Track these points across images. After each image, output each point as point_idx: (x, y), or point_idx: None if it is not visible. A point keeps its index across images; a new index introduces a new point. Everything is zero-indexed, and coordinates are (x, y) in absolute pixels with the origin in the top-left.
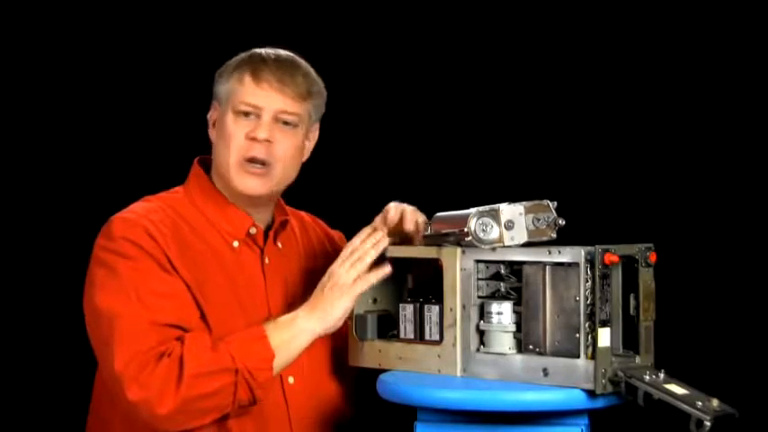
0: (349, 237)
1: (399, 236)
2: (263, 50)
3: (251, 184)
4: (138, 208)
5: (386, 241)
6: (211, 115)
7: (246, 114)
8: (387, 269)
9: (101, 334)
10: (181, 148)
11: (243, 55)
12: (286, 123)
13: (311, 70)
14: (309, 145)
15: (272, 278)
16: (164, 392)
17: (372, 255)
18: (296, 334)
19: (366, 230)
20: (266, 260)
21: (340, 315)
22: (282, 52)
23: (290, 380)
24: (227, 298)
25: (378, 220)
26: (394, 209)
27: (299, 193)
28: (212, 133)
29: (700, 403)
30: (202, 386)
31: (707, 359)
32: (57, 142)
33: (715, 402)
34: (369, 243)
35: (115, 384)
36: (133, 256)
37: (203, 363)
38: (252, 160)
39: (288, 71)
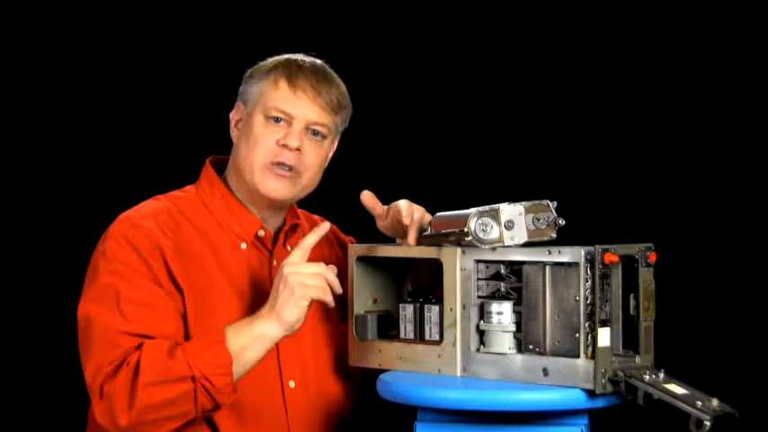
0: (359, 241)
1: (399, 228)
2: (297, 57)
3: (276, 186)
4: (145, 208)
5: (325, 227)
6: (234, 115)
7: (277, 120)
8: (331, 301)
9: (80, 343)
10: (196, 147)
11: (277, 58)
12: (315, 134)
13: (342, 83)
14: (329, 155)
15: None
16: (122, 402)
17: (332, 276)
18: (255, 338)
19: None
20: (274, 263)
21: (296, 317)
22: (317, 61)
23: (291, 384)
24: (230, 301)
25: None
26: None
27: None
28: (234, 133)
29: (700, 403)
30: (158, 394)
31: (707, 359)
32: (71, 141)
33: (715, 402)
34: (312, 235)
35: (89, 395)
36: (124, 259)
37: (158, 371)
38: (279, 165)
39: (323, 81)
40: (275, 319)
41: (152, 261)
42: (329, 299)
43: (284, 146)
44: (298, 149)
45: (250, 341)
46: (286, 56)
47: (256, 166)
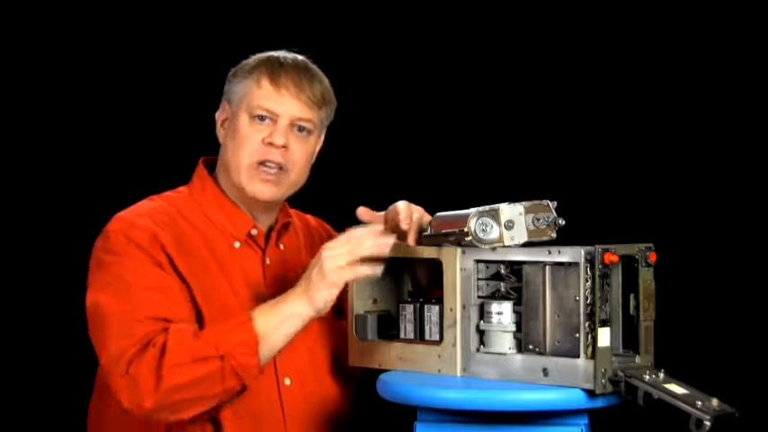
0: None
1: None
2: (279, 54)
3: (263, 188)
4: (141, 207)
5: (389, 244)
6: (220, 115)
7: (262, 118)
8: (378, 270)
9: (95, 331)
10: (188, 148)
11: (259, 56)
12: (300, 130)
13: (325, 78)
14: (316, 150)
15: (271, 279)
16: (147, 383)
17: (368, 249)
18: (284, 319)
19: (375, 227)
20: (267, 261)
21: (324, 301)
22: (299, 57)
23: (287, 381)
24: (227, 298)
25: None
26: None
27: (302, 196)
28: (221, 133)
29: (700, 403)
30: (184, 375)
31: (707, 359)
32: (63, 143)
33: (715, 402)
34: (369, 239)
35: (108, 379)
36: (127, 252)
37: (185, 351)
38: (266, 163)
39: (306, 77)
40: (307, 300)
41: (154, 252)
42: (365, 274)
43: (270, 144)
44: (284, 147)
45: (279, 321)
46: (268, 53)
47: (243, 166)
